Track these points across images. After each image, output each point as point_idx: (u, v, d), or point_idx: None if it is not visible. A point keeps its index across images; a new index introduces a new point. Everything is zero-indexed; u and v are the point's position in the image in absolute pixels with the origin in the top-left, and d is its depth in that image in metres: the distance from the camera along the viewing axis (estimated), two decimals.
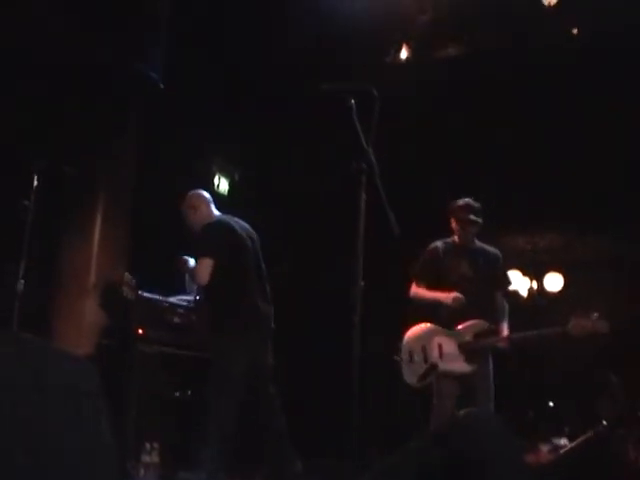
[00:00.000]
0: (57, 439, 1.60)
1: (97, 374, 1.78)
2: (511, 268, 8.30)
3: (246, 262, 4.72)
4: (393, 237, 3.09)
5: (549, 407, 7.33)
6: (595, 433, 5.30)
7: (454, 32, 7.13)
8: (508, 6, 6.58)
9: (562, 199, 8.08)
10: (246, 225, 4.86)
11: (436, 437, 2.51)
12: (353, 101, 3.18)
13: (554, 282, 9.30)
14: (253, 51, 7.01)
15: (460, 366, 4.65)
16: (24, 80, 5.88)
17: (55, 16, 5.83)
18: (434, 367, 4.67)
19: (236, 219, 4.83)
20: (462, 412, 2.65)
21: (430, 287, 4.93)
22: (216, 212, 4.87)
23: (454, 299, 4.70)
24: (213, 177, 8.14)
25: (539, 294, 9.35)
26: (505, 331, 4.75)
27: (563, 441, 5.76)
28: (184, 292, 5.74)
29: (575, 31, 6.75)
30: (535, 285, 9.57)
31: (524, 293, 9.58)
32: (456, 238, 4.99)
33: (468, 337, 4.68)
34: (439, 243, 5.04)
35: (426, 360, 4.72)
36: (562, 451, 5.51)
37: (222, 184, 8.16)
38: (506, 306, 4.95)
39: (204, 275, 4.50)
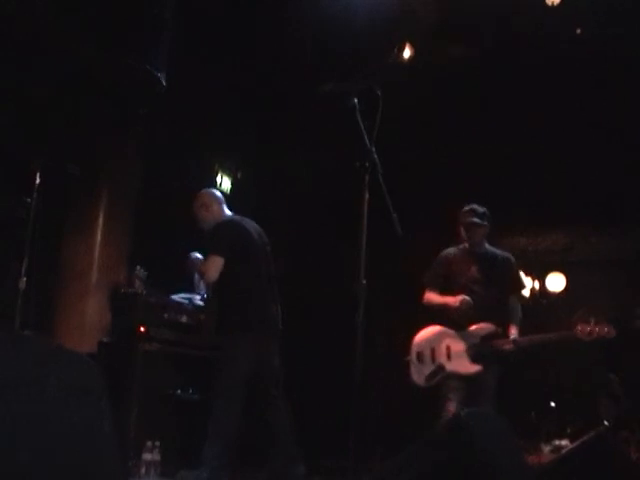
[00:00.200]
0: (58, 437, 1.60)
1: (99, 372, 1.78)
2: None
3: (256, 262, 4.74)
4: (396, 236, 3.09)
5: (551, 407, 7.33)
6: (596, 433, 5.29)
7: (456, 32, 7.12)
8: (511, 6, 6.57)
9: (564, 200, 8.07)
10: (257, 226, 4.90)
11: (438, 437, 2.51)
12: (356, 100, 3.19)
13: (556, 282, 9.29)
14: (256, 50, 7.01)
15: (466, 367, 4.73)
16: (27, 78, 5.88)
17: (57, 14, 5.83)
18: (441, 368, 4.78)
19: (247, 220, 4.86)
20: (463, 412, 2.65)
21: (442, 292, 5.01)
22: (228, 212, 4.91)
23: (461, 302, 4.78)
24: (215, 175, 8.14)
25: (541, 294, 9.34)
26: (513, 335, 4.79)
27: (564, 442, 5.76)
28: (190, 290, 5.74)
29: (578, 31, 6.75)
30: (537, 285, 9.56)
31: (526, 293, 9.58)
32: (466, 244, 5.05)
33: (476, 339, 4.76)
34: (450, 249, 5.12)
35: (434, 361, 4.82)
36: (563, 451, 5.50)
37: (224, 182, 8.17)
38: (519, 309, 4.99)
39: (213, 272, 4.54)
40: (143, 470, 4.70)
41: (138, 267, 5.25)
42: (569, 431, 6.28)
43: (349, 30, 6.59)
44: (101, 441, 1.72)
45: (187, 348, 5.33)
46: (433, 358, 4.83)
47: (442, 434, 2.53)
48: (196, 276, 5.22)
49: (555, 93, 7.20)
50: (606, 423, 5.65)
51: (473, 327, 4.79)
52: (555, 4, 6.47)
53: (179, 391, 5.15)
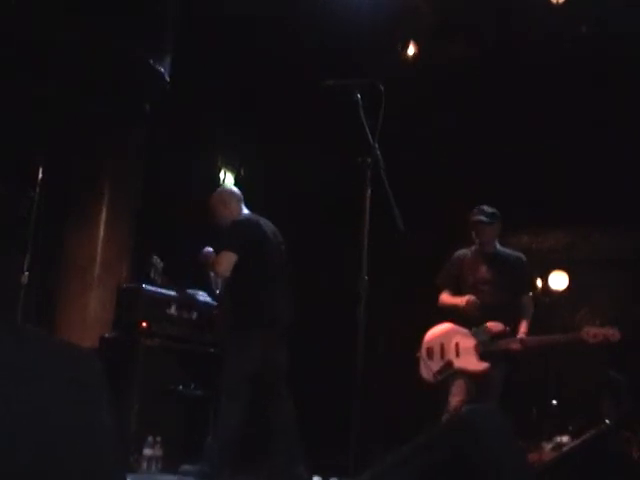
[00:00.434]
0: (57, 430, 1.59)
1: (100, 366, 1.78)
2: None
3: (270, 261, 4.77)
4: (398, 232, 3.08)
5: (552, 406, 7.31)
6: (597, 432, 5.28)
7: (460, 30, 7.11)
8: (515, 3, 6.56)
9: (567, 198, 8.06)
10: (273, 226, 4.92)
11: (439, 433, 2.50)
12: (359, 96, 3.18)
13: (559, 281, 9.27)
14: (258, 46, 7.00)
15: (474, 365, 4.79)
16: (30, 72, 5.88)
17: (60, 9, 5.83)
18: (450, 364, 4.86)
19: (264, 219, 4.89)
20: (465, 409, 2.64)
21: (454, 293, 5.08)
22: (245, 210, 4.94)
23: (467, 302, 4.85)
24: (219, 171, 8.14)
25: (544, 293, 9.32)
26: (521, 334, 4.84)
27: (565, 439, 5.76)
28: (192, 286, 5.69)
29: (584, 29, 6.73)
30: (540, 284, 9.54)
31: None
32: (477, 245, 5.09)
33: (485, 337, 4.82)
34: (462, 250, 5.18)
35: (443, 357, 4.91)
36: (564, 449, 5.50)
37: (227, 178, 8.17)
38: (531, 309, 5.03)
39: (226, 268, 4.57)
40: (144, 465, 4.70)
41: (155, 256, 5.22)
42: (571, 429, 6.26)
43: (352, 27, 6.58)
44: (101, 435, 1.71)
45: (189, 343, 5.32)
46: (442, 354, 4.91)
47: (444, 430, 2.52)
48: (212, 272, 5.19)
49: (559, 91, 7.19)
50: (607, 422, 5.64)
51: (483, 325, 4.84)
52: (560, 2, 6.45)
53: (181, 386, 5.15)
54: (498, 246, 5.12)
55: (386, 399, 7.41)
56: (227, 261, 4.56)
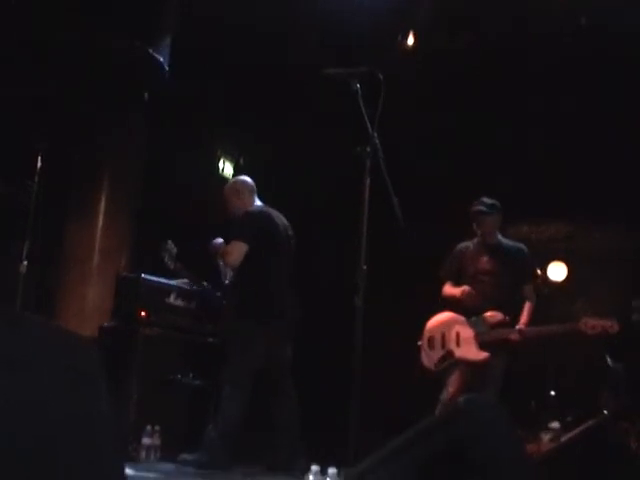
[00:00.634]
0: (56, 419, 1.59)
1: (98, 355, 1.77)
2: None
3: (280, 253, 4.78)
4: (396, 221, 3.08)
5: (551, 397, 7.32)
6: (595, 422, 5.29)
7: (460, 21, 7.08)
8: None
9: (567, 189, 8.05)
10: (284, 219, 4.93)
11: (437, 423, 2.50)
12: (358, 85, 3.17)
13: (558, 272, 9.27)
14: (257, 36, 6.97)
15: (475, 354, 4.85)
16: (30, 62, 5.86)
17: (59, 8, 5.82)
18: (450, 353, 4.91)
19: (276, 212, 4.89)
20: (463, 398, 2.64)
21: (456, 284, 5.13)
22: (258, 202, 4.93)
23: (463, 292, 4.93)
24: (218, 161, 8.13)
25: (543, 283, 9.32)
26: (521, 325, 4.88)
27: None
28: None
29: (583, 20, 6.71)
30: (539, 274, 9.53)
31: None
32: (479, 237, 5.14)
33: (485, 327, 4.87)
34: (464, 243, 5.24)
35: (444, 346, 4.95)
36: (562, 440, 5.51)
37: (227, 168, 8.16)
38: (533, 300, 5.07)
39: (236, 258, 4.58)
40: (143, 454, 4.70)
41: (169, 241, 5.19)
42: (569, 420, 6.27)
43: (353, 16, 6.55)
44: (100, 424, 1.71)
45: (188, 333, 5.32)
46: (443, 344, 4.96)
47: (442, 420, 2.53)
48: (221, 262, 5.18)
49: (560, 83, 7.17)
50: (605, 412, 5.65)
51: (483, 315, 4.88)
52: None
53: (179, 376, 5.15)
54: (500, 237, 5.16)
55: (385, 389, 7.42)
56: (238, 251, 4.56)
